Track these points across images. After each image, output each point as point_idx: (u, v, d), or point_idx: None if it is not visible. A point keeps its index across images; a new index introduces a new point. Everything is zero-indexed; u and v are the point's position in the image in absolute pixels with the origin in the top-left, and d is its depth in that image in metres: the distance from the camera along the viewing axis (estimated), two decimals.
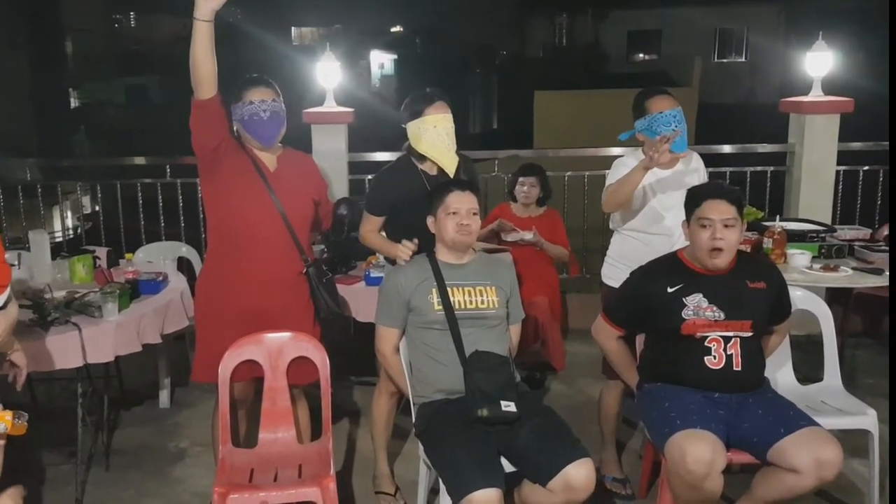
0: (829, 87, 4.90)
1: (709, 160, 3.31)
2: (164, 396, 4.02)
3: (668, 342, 2.66)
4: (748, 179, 5.16)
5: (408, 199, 2.90)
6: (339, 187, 4.75)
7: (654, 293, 2.65)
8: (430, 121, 2.87)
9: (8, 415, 1.94)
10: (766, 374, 2.71)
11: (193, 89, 2.56)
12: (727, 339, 2.59)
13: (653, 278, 2.68)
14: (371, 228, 3.00)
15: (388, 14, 29.69)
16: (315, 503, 2.45)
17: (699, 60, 17.95)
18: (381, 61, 30.91)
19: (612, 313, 2.83)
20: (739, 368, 2.59)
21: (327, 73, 4.93)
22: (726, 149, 5.15)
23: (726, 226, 2.54)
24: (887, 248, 3.62)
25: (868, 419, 2.84)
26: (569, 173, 5.22)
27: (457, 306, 2.65)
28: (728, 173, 5.03)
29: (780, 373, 3.08)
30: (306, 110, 4.91)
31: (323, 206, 3.00)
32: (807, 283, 3.28)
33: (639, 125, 3.00)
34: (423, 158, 2.94)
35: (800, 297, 3.10)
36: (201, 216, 4.21)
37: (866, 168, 5.09)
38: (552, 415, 2.58)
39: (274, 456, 2.71)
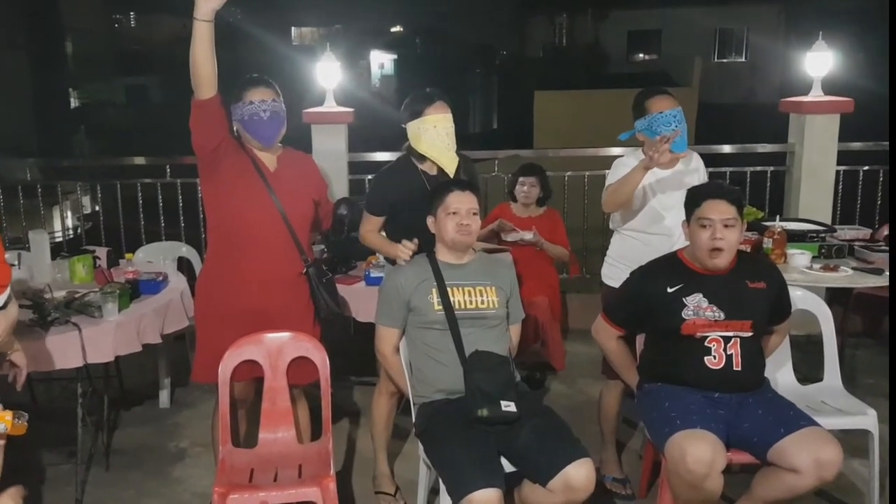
0: (829, 87, 4.90)
1: (709, 160, 3.31)
2: (164, 396, 4.02)
3: (668, 342, 2.66)
4: (748, 179, 5.16)
5: (408, 199, 2.90)
6: (339, 187, 4.75)
7: (654, 293, 2.65)
8: (430, 121, 2.87)
9: (8, 415, 1.94)
10: (766, 374, 2.71)
11: (193, 89, 2.56)
12: (727, 339, 2.59)
13: (653, 278, 2.68)
14: (371, 228, 3.00)
15: (388, 14, 29.69)
16: (315, 503, 2.45)
17: (699, 60, 17.95)
18: (381, 61, 30.91)
19: (611, 313, 2.83)
20: (739, 368, 2.59)
21: (327, 73, 4.93)
22: (726, 149, 5.15)
23: (726, 226, 2.54)
24: (887, 248, 3.62)
25: (868, 419, 2.84)
26: (569, 173, 5.22)
27: (457, 306, 2.65)
28: (728, 173, 5.03)
29: (780, 373, 3.08)
30: (306, 110, 4.91)
31: (323, 206, 3.00)
32: (807, 283, 3.28)
33: (639, 125, 3.00)
34: (423, 158, 2.94)
35: (800, 297, 3.10)
36: (201, 216, 4.21)
37: (866, 168, 5.09)
38: (552, 415, 2.58)
39: (274, 456, 2.71)
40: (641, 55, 24.98)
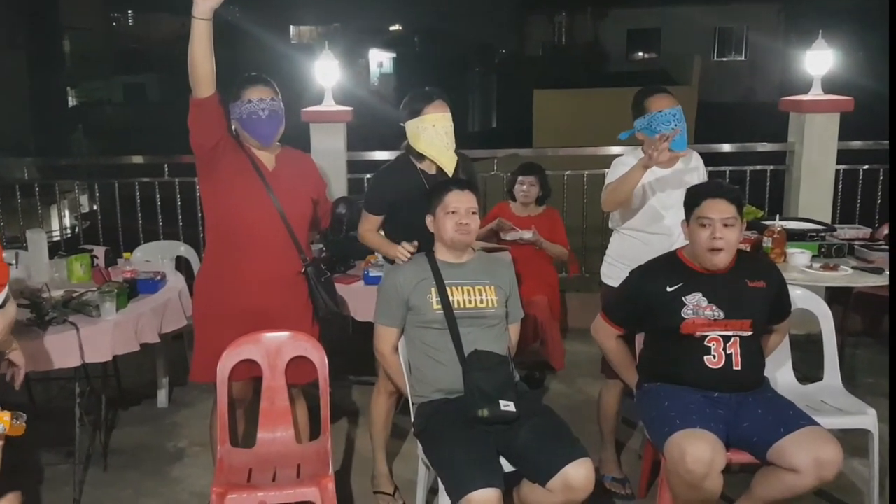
0: (829, 85, 4.89)
1: (708, 159, 3.31)
2: (162, 396, 4.01)
3: (668, 341, 2.65)
4: (748, 178, 5.15)
5: (406, 198, 2.90)
6: (338, 186, 4.75)
7: (654, 292, 2.64)
8: (428, 119, 2.86)
9: (6, 415, 1.94)
10: (765, 374, 2.70)
11: (192, 88, 2.56)
12: (727, 339, 2.58)
13: (652, 277, 2.68)
14: (370, 227, 2.99)
15: (387, 12, 29.68)
16: (313, 503, 2.45)
17: (699, 59, 17.94)
18: (380, 60, 30.88)
19: (611, 312, 2.83)
20: (739, 368, 2.58)
21: (326, 71, 4.92)
22: (726, 148, 5.14)
23: (726, 225, 2.54)
24: (887, 247, 3.61)
25: (868, 419, 2.84)
26: (568, 172, 5.22)
27: (456, 305, 2.64)
28: (728, 172, 5.02)
29: (780, 372, 3.08)
30: (305, 109, 4.90)
31: (321, 205, 2.99)
32: (806, 283, 3.27)
33: (638, 124, 3.00)
34: (421, 157, 2.93)
35: (799, 297, 3.09)
36: (199, 215, 4.20)
37: (866, 167, 5.09)
38: (551, 414, 2.58)
39: (272, 456, 2.71)
40: (641, 54, 24.97)
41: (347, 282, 3.70)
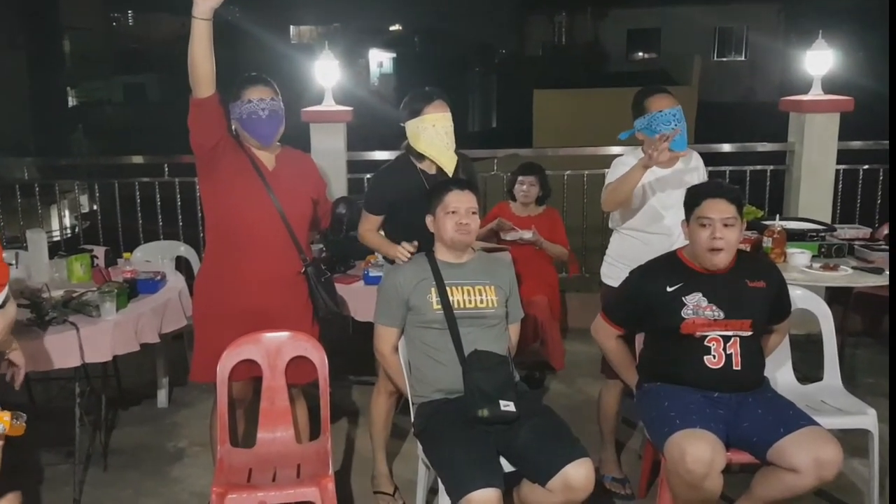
0: (829, 85, 4.89)
1: (708, 159, 3.31)
2: (162, 396, 4.01)
3: (668, 341, 2.65)
4: (748, 178, 5.15)
5: (406, 198, 2.90)
6: (338, 186, 4.75)
7: (654, 292, 2.64)
8: (428, 119, 2.86)
9: (6, 415, 1.94)
10: (765, 374, 2.70)
11: (192, 88, 2.56)
12: (727, 339, 2.58)
13: (652, 277, 2.68)
14: (370, 227, 2.99)
15: (387, 13, 29.67)
16: (313, 503, 2.45)
17: (699, 59, 17.94)
18: (380, 60, 30.87)
19: (611, 312, 2.83)
20: (739, 368, 2.58)
21: (326, 71, 4.92)
22: (726, 148, 5.14)
23: (726, 225, 2.54)
24: (887, 247, 3.61)
25: (868, 419, 2.84)
26: (568, 172, 5.22)
27: (456, 305, 2.64)
28: (728, 172, 5.02)
29: (780, 372, 3.08)
30: (305, 109, 4.90)
31: (321, 204, 2.99)
32: (806, 283, 3.27)
33: (638, 124, 3.00)
34: (421, 157, 2.93)
35: (799, 297, 3.09)
36: (199, 215, 4.20)
37: (866, 167, 5.09)
38: (551, 414, 2.58)
39: (272, 456, 2.70)
40: (641, 54, 24.97)
41: (347, 282, 3.70)
